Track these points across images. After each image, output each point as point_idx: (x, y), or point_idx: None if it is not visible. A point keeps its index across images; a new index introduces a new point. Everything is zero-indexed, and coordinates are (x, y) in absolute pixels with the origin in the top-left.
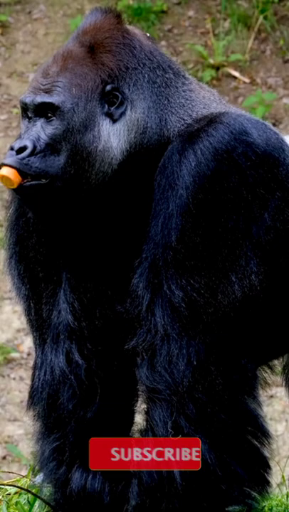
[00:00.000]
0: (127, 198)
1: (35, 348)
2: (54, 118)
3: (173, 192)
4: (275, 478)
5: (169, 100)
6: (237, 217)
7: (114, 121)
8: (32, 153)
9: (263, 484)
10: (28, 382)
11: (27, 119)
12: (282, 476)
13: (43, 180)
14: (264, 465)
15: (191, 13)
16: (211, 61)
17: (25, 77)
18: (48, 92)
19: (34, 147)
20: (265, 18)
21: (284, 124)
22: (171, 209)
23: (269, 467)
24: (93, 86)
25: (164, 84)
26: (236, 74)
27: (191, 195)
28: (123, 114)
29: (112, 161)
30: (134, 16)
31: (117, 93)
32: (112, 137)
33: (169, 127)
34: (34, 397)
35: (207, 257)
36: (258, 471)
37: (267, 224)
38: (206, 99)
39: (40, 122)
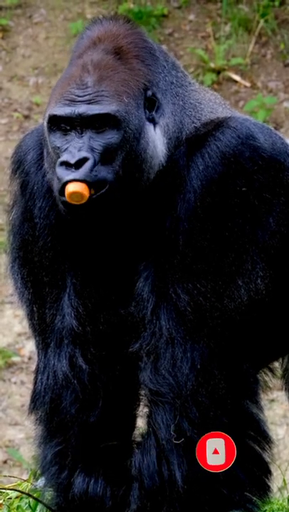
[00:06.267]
0: (141, 202)
1: (38, 352)
2: (106, 128)
3: (180, 195)
4: (276, 482)
5: (183, 101)
6: (244, 221)
7: (154, 126)
8: (95, 164)
9: (263, 489)
10: (29, 386)
11: (61, 132)
12: (284, 480)
13: (104, 189)
14: (265, 470)
15: (191, 17)
16: (212, 65)
17: (26, 81)
18: (93, 102)
19: (94, 158)
20: (266, 21)
21: (285, 128)
22: (178, 212)
23: (270, 472)
24: (137, 92)
25: (178, 85)
26: (237, 78)
27: (198, 198)
28: (159, 118)
29: (156, 167)
30: (135, 20)
31: (154, 98)
32: (157, 142)
33: (182, 132)
34: (36, 402)
35: (214, 261)
36: (259, 476)
37: (272, 228)
38: (212, 103)
39: (88, 133)
